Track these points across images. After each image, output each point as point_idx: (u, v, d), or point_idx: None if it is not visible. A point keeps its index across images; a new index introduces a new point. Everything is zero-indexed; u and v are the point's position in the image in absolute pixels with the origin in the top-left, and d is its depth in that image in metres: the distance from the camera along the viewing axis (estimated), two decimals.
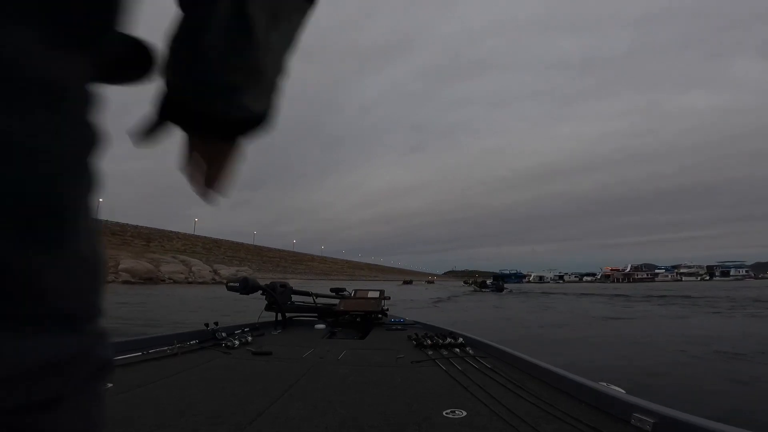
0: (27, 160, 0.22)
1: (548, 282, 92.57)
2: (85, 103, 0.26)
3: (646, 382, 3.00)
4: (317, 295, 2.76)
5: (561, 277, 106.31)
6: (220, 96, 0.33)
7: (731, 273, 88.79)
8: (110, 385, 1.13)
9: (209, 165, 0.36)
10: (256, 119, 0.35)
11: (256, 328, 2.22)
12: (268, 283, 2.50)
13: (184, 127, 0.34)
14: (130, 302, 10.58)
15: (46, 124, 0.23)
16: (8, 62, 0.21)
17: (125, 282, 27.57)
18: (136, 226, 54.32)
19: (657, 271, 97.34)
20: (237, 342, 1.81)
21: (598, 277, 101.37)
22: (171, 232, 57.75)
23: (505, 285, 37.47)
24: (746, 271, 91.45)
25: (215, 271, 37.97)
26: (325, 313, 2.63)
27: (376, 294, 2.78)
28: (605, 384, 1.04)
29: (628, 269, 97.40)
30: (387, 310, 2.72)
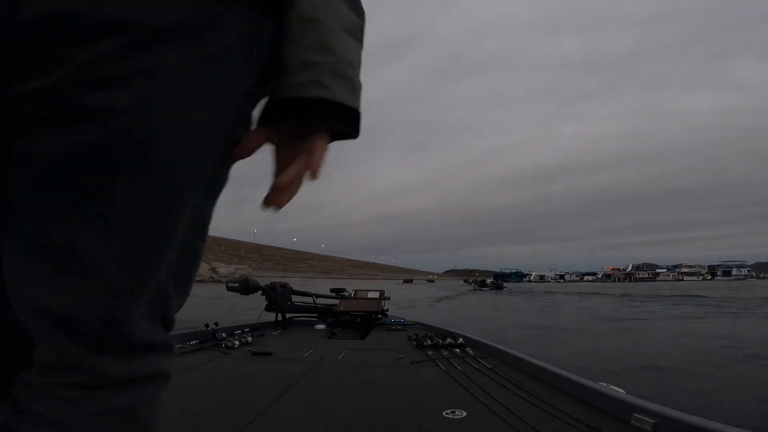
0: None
1: (549, 281, 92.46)
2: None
3: (693, 399, 2.54)
4: (317, 296, 2.76)
5: (562, 277, 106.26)
6: (301, 74, 0.35)
7: (733, 273, 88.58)
8: None
9: (299, 164, 0.36)
10: (337, 107, 0.36)
11: (256, 329, 2.22)
12: (269, 283, 2.50)
13: (272, 116, 0.36)
14: None
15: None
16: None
17: None
18: None
19: (658, 270, 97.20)
20: (237, 342, 1.81)
21: (599, 276, 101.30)
22: None
23: (506, 284, 37.58)
24: (748, 271, 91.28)
25: (213, 270, 37.64)
26: (325, 313, 2.63)
27: (376, 294, 2.77)
28: (605, 384, 1.04)
29: (630, 269, 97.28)
30: (387, 310, 2.71)
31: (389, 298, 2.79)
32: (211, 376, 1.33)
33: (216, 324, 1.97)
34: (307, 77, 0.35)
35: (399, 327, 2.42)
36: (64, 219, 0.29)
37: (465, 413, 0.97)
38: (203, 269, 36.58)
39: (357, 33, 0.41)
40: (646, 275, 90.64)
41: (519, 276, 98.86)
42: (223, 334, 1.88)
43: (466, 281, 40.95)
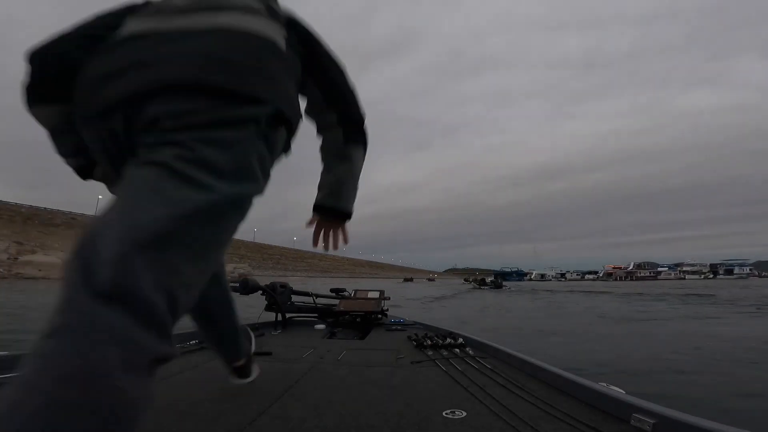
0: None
1: (550, 280, 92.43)
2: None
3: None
4: (317, 296, 2.75)
5: (563, 275, 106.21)
6: (325, 192, 0.85)
7: (735, 271, 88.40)
8: None
9: (328, 233, 0.89)
10: (348, 214, 0.87)
11: (255, 328, 2.22)
12: (269, 283, 2.50)
13: (321, 214, 0.87)
14: None
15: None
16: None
17: None
18: None
19: (659, 269, 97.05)
20: None
21: (601, 275, 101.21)
22: None
23: (507, 283, 37.64)
24: (750, 270, 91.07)
25: None
26: (325, 313, 2.63)
27: (376, 294, 2.77)
28: (605, 384, 1.03)
29: (631, 267, 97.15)
30: (387, 310, 2.71)
31: (389, 298, 2.79)
32: (211, 376, 1.33)
33: None
34: (325, 195, 0.84)
35: (399, 327, 2.41)
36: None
37: (465, 413, 0.97)
38: None
39: (359, 166, 0.88)
40: (648, 274, 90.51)
41: (520, 275, 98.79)
42: None
43: (466, 280, 41.08)
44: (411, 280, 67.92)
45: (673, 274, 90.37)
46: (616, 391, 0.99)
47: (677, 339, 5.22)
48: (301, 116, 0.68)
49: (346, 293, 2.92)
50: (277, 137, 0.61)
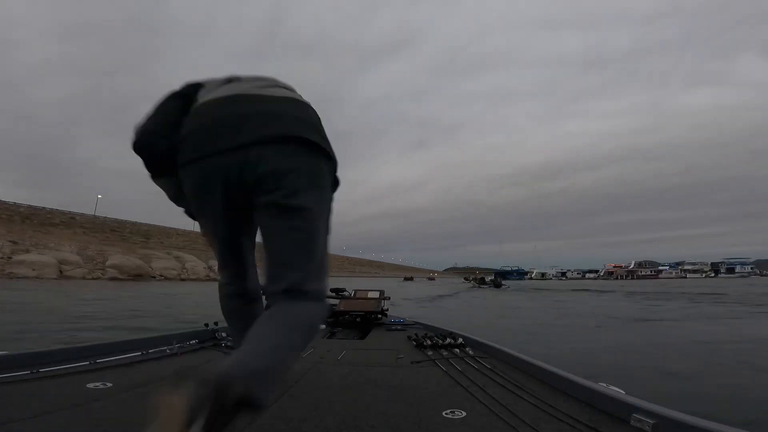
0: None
1: (551, 279, 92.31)
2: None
3: None
4: None
5: (563, 274, 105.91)
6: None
7: (736, 270, 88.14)
8: (110, 385, 1.14)
9: None
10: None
11: None
12: None
13: None
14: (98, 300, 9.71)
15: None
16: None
17: (113, 279, 25.87)
18: (135, 223, 54.42)
19: (660, 268, 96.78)
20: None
21: (602, 274, 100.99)
22: (170, 228, 57.91)
23: (507, 282, 37.72)
24: (751, 269, 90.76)
25: (210, 268, 36.51)
26: None
27: (376, 294, 2.77)
28: (605, 384, 1.04)
29: (632, 266, 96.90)
30: (387, 310, 2.71)
31: (389, 298, 2.78)
32: None
33: (216, 324, 1.97)
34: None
35: (399, 327, 2.41)
36: (289, 247, 0.81)
37: (465, 413, 0.97)
38: (199, 267, 35.71)
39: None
40: (649, 273, 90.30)
41: (520, 274, 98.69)
42: (223, 334, 1.88)
43: (466, 279, 41.36)
44: (411, 279, 67.96)
45: (674, 273, 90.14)
46: (616, 391, 0.99)
47: (707, 343, 4.70)
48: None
49: (346, 293, 2.91)
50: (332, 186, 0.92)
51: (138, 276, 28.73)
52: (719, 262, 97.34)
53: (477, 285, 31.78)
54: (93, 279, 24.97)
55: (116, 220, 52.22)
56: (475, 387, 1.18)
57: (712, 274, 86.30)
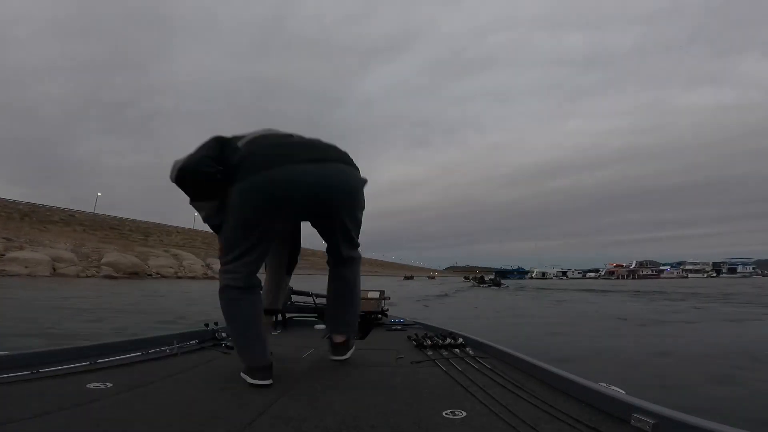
0: None
1: (551, 278, 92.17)
2: None
3: None
4: (317, 296, 2.75)
5: (564, 273, 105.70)
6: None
7: (738, 270, 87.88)
8: (110, 385, 1.14)
9: None
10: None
11: None
12: None
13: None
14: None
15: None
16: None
17: (107, 277, 24.89)
18: (135, 221, 54.46)
19: (662, 267, 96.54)
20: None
21: (602, 273, 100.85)
22: (170, 226, 57.93)
23: (507, 281, 37.90)
24: (753, 269, 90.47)
25: (208, 266, 36.24)
26: (324, 313, 2.61)
27: (376, 294, 2.76)
28: (605, 384, 1.03)
29: (633, 266, 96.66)
30: (387, 310, 2.71)
31: (389, 298, 2.78)
32: (211, 376, 1.33)
33: (216, 324, 1.97)
34: None
35: (399, 327, 2.41)
36: (342, 238, 1.44)
37: (465, 413, 0.97)
38: (197, 265, 35.26)
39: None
40: (650, 272, 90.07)
41: (521, 273, 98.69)
42: (223, 334, 1.88)
43: (466, 278, 41.61)
44: (411, 278, 68.11)
45: (675, 273, 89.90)
46: (616, 391, 0.98)
47: (742, 346, 4.27)
48: None
49: None
50: None
51: (134, 274, 28.20)
52: (721, 262, 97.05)
53: (476, 284, 31.94)
54: (87, 277, 24.52)
55: (116, 218, 52.25)
56: (475, 387, 1.18)
57: (714, 275, 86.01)
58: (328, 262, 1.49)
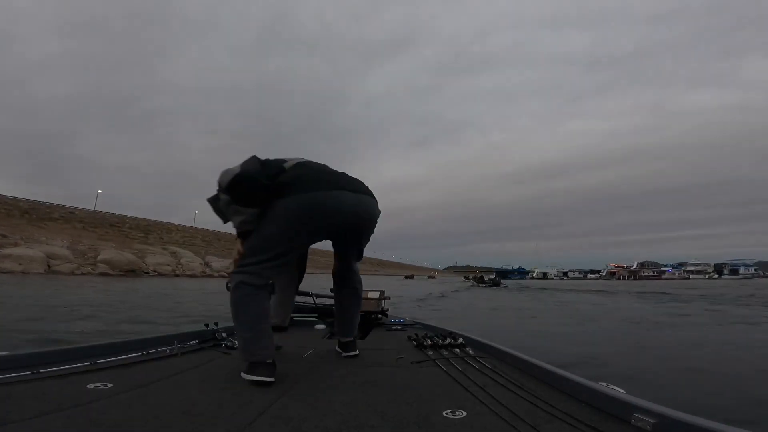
0: None
1: (552, 278, 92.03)
2: None
3: None
4: (317, 296, 2.74)
5: (565, 274, 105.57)
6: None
7: (740, 272, 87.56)
8: (110, 385, 1.14)
9: None
10: None
11: None
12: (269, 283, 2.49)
13: None
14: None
15: None
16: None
17: (102, 274, 24.38)
18: (135, 218, 54.43)
19: (663, 268, 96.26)
20: (237, 342, 1.80)
21: (603, 274, 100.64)
22: (170, 224, 57.82)
23: (507, 281, 37.99)
24: (755, 270, 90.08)
25: (206, 264, 35.80)
26: (325, 313, 2.62)
27: (376, 294, 2.76)
28: (605, 384, 1.03)
29: (635, 266, 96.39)
30: (387, 310, 2.70)
31: (389, 298, 2.78)
32: (211, 376, 1.33)
33: (216, 324, 1.97)
34: None
35: (399, 327, 2.41)
36: (356, 254, 1.67)
37: (465, 413, 0.97)
38: (195, 263, 34.65)
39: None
40: (651, 273, 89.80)
41: (521, 273, 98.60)
42: (223, 334, 1.88)
43: (466, 278, 41.74)
44: (412, 277, 68.21)
45: (677, 274, 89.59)
46: (617, 391, 0.98)
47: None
48: None
49: None
50: None
51: (130, 271, 27.52)
52: (722, 263, 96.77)
53: (475, 284, 31.95)
54: (82, 274, 23.92)
55: (116, 215, 52.26)
56: (475, 387, 1.17)
57: (716, 276, 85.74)
58: (334, 270, 1.66)
